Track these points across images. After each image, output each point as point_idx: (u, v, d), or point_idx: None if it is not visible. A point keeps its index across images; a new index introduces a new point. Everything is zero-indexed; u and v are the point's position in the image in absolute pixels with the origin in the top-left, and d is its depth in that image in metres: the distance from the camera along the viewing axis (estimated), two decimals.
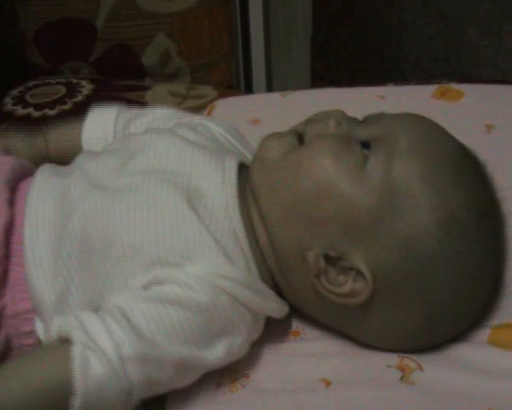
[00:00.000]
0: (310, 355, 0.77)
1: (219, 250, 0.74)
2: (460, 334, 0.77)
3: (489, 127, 1.05)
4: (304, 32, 1.78)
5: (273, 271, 0.78)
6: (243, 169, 0.81)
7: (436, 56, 2.22)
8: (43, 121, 1.19)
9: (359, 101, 1.06)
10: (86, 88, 1.32)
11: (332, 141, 0.76)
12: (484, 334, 0.77)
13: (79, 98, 1.30)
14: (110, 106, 0.94)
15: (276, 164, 0.77)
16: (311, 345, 0.79)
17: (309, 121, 0.80)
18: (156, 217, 0.75)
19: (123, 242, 0.74)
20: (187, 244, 0.74)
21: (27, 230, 0.77)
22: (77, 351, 0.67)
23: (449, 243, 0.72)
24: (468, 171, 0.76)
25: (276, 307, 0.77)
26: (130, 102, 1.07)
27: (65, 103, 1.27)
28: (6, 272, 0.76)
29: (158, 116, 0.93)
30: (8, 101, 1.29)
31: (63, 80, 1.36)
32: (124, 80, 1.36)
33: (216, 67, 1.47)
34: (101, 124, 0.92)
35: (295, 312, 0.80)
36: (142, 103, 1.23)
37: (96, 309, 0.72)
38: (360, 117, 0.80)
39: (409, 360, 0.75)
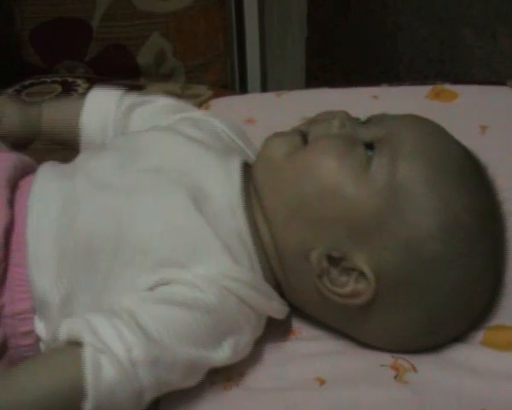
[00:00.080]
0: (305, 355, 0.77)
1: (225, 250, 0.74)
2: (459, 335, 0.77)
3: (483, 128, 1.06)
4: (299, 32, 1.79)
5: (276, 271, 0.78)
6: (247, 168, 0.81)
7: (430, 58, 2.22)
8: None
9: (354, 101, 1.06)
10: (81, 87, 1.33)
11: (336, 142, 0.75)
12: (477, 335, 0.77)
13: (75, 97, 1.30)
14: (113, 89, 0.94)
15: (280, 164, 0.77)
16: (306, 344, 0.78)
17: (312, 121, 0.80)
18: (163, 217, 0.75)
19: (130, 242, 0.74)
20: (193, 245, 0.74)
21: (30, 231, 0.76)
22: (88, 354, 0.66)
23: (452, 245, 0.72)
24: (471, 173, 0.76)
25: (277, 308, 0.77)
26: None
27: None
28: (5, 272, 0.76)
29: (160, 106, 0.92)
30: None
31: (59, 79, 1.37)
32: (119, 80, 1.36)
33: (211, 66, 1.47)
34: (103, 104, 0.92)
35: (292, 311, 0.80)
36: None
37: (101, 310, 0.71)
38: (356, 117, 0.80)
39: (402, 361, 0.75)
